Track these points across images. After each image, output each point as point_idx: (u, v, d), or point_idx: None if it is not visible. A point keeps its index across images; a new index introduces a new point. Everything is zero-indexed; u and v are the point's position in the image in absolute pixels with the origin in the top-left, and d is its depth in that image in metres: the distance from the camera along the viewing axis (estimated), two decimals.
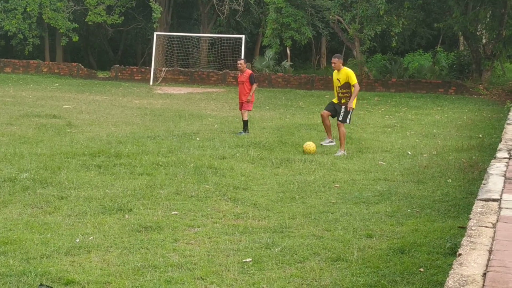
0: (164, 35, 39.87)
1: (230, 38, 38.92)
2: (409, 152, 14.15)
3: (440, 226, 8.03)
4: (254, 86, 16.57)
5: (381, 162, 12.84)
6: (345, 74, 13.73)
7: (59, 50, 44.08)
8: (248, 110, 16.65)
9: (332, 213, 8.75)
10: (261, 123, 18.98)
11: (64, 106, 22.22)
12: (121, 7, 41.19)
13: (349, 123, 14.17)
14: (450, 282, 4.46)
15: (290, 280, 6.23)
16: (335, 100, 14.03)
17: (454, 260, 5.00)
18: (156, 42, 37.29)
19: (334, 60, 13.96)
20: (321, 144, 14.12)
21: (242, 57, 35.26)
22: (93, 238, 7.36)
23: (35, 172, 10.71)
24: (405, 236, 7.62)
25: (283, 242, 7.31)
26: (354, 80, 13.69)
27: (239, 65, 16.76)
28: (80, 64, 39.49)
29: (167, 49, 40.28)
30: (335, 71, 13.97)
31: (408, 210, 8.95)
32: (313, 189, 10.28)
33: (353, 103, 13.76)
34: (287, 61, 41.24)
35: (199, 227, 8.01)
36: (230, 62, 36.32)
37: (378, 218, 8.52)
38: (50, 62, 40.48)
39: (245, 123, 16.61)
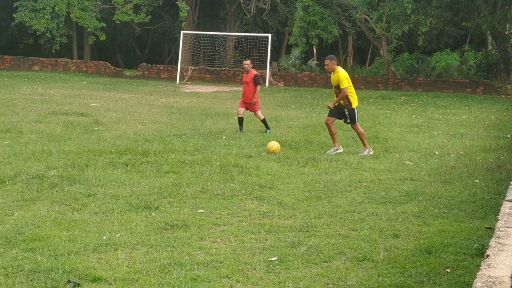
0: (190, 34, 39.99)
1: (256, 37, 38.95)
2: (436, 152, 14.06)
3: (467, 226, 7.97)
4: (259, 87, 16.57)
5: (408, 162, 12.77)
6: (337, 76, 13.46)
7: (87, 48, 44.44)
8: (257, 110, 16.67)
9: (358, 213, 8.73)
10: (287, 122, 18.98)
11: (91, 104, 22.39)
12: (148, 6, 41.42)
13: (358, 122, 13.87)
14: (478, 283, 4.43)
15: (316, 279, 6.22)
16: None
17: (482, 261, 4.97)
18: (182, 41, 37.42)
19: (326, 61, 13.64)
20: (327, 153, 13.45)
21: (268, 56, 35.35)
22: (120, 235, 7.40)
23: (63, 170, 10.80)
24: (432, 237, 7.57)
25: (309, 241, 7.30)
26: (344, 84, 13.29)
27: (246, 65, 16.85)
28: (107, 63, 39.77)
29: (193, 47, 40.42)
30: (332, 73, 13.72)
31: (435, 211, 8.89)
32: (339, 188, 10.25)
33: (352, 104, 13.48)
34: (313, 60, 41.21)
35: (225, 225, 8.02)
36: (257, 61, 36.33)
37: (405, 218, 8.47)
38: (78, 61, 40.82)
39: (264, 121, 16.66)
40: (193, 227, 7.83)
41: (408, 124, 19.46)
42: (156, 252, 6.86)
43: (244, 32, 43.79)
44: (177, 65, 37.52)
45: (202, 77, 37.32)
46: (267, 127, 16.65)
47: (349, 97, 13.50)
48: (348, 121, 13.75)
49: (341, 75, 13.41)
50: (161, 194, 9.39)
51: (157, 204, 8.80)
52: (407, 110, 24.02)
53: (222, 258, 6.73)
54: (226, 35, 41.68)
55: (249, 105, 16.64)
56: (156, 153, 12.71)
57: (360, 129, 13.80)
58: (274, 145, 13.43)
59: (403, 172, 11.75)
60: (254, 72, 16.79)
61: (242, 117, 16.67)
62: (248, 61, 16.97)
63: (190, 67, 37.70)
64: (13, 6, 40.25)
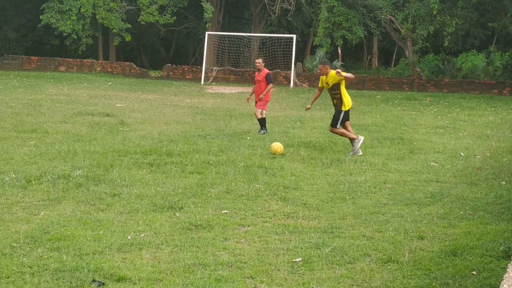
0: (215, 35, 40.06)
1: (281, 38, 38.93)
2: (462, 154, 13.95)
3: (493, 229, 7.90)
4: (270, 85, 16.49)
5: (433, 163, 12.69)
6: (332, 76, 13.34)
7: (112, 49, 44.69)
8: (263, 109, 16.56)
9: (383, 214, 8.69)
10: (312, 123, 18.94)
11: (116, 105, 22.51)
12: (173, 7, 41.55)
13: (339, 127, 13.56)
14: (504, 286, 4.39)
15: (340, 280, 6.20)
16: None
17: (508, 264, 4.92)
18: (207, 42, 37.49)
19: (320, 66, 13.62)
20: (354, 151, 13.41)
21: (293, 57, 35.30)
22: (145, 235, 7.43)
23: (88, 170, 10.87)
24: (457, 239, 7.51)
25: (333, 243, 7.28)
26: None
27: (257, 64, 16.82)
28: (132, 63, 39.95)
29: (218, 48, 40.49)
30: (323, 77, 13.60)
31: (461, 212, 8.83)
32: (364, 189, 10.21)
33: (344, 106, 13.31)
34: (338, 60, 41.10)
35: (249, 226, 8.02)
36: (281, 62, 36.33)
37: (430, 220, 8.41)
38: (103, 61, 41.05)
39: (262, 121, 16.52)
40: (217, 228, 7.84)
41: (433, 125, 19.34)
42: (180, 252, 6.88)
43: (269, 33, 43.78)
44: (202, 66, 37.62)
45: (226, 78, 37.37)
46: (262, 128, 16.51)
47: (343, 97, 13.39)
48: (331, 122, 13.64)
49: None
50: (186, 195, 9.42)
51: (182, 204, 8.82)
52: (432, 111, 23.87)
53: (246, 259, 6.73)
54: (251, 36, 41.70)
55: (258, 102, 16.62)
56: (180, 153, 12.75)
57: (338, 130, 13.56)
58: (278, 147, 13.27)
59: (429, 174, 11.67)
60: (266, 70, 16.75)
61: (263, 118, 16.66)
62: (260, 60, 16.95)
63: (214, 68, 37.76)
64: (40, 8, 40.58)
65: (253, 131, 16.71)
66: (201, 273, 6.28)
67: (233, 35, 40.02)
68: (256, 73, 16.94)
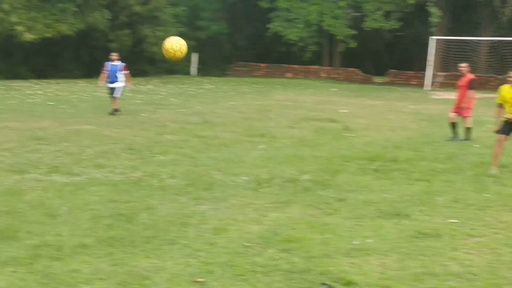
0: (441, 39, 39.15)
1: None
2: None
3: None
4: (471, 92, 15.97)
5: None
6: None
7: (337, 55, 45.21)
8: (467, 116, 15.94)
9: None
10: None
11: (340, 110, 22.74)
12: (399, 12, 41.20)
13: None
14: None
15: None
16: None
17: None
18: (433, 47, 36.74)
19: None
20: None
21: None
22: (371, 241, 7.45)
23: (315, 174, 11.09)
24: None
25: None
26: None
27: (461, 69, 16.43)
28: (356, 69, 40.15)
29: (444, 53, 39.53)
30: (508, 86, 11.98)
31: None
32: None
33: None
34: None
35: (479, 237, 7.76)
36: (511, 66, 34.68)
37: None
38: (328, 68, 41.66)
39: (468, 130, 15.90)
40: (445, 237, 7.66)
41: None
42: (408, 260, 6.81)
43: (499, 36, 41.99)
44: (427, 71, 36.93)
45: (452, 84, 36.28)
46: (468, 138, 15.78)
47: None
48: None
49: None
50: (412, 202, 9.30)
51: (408, 212, 8.73)
52: None
53: (477, 271, 6.52)
54: (479, 40, 40.25)
55: (459, 109, 16.09)
56: (406, 160, 12.63)
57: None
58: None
59: None
60: (470, 76, 16.21)
61: (453, 122, 16.04)
62: (465, 64, 16.47)
63: (440, 73, 36.92)
64: (268, 17, 42.06)
65: (482, 138, 16.11)
66: (430, 282, 6.18)
67: (460, 40, 38.86)
68: (460, 78, 16.46)
